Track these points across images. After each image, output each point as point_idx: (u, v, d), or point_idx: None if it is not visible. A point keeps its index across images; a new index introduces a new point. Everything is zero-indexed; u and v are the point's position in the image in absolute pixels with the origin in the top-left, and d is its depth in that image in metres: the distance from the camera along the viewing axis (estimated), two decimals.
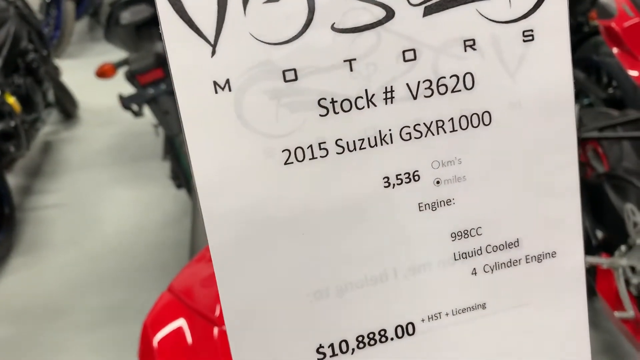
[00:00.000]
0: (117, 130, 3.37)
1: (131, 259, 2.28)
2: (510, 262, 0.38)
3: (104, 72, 2.32)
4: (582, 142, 1.60)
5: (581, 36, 2.05)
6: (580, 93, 2.05)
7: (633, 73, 1.79)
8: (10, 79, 2.75)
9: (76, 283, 2.19)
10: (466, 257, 0.38)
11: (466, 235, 0.37)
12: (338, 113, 0.34)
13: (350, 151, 0.35)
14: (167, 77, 2.21)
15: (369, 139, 0.35)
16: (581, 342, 0.40)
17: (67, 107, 3.49)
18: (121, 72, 2.30)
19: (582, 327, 0.40)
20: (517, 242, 0.38)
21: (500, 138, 0.36)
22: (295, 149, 0.34)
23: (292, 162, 0.34)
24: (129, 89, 2.30)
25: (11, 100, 2.59)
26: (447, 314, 0.38)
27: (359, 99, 0.34)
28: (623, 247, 1.39)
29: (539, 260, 0.39)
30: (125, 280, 2.16)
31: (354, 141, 0.35)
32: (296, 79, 0.33)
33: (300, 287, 0.35)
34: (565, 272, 0.39)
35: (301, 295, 0.36)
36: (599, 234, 1.52)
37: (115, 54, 2.53)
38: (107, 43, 2.60)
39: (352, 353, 0.37)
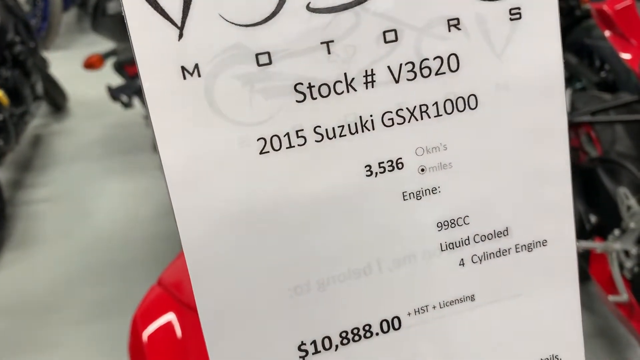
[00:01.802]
0: (107, 122, 3.34)
1: (123, 252, 2.27)
2: (500, 251, 0.37)
3: (91, 64, 2.29)
4: (574, 127, 1.59)
5: (573, 20, 2.03)
6: (572, 77, 2.04)
7: (625, 56, 1.78)
8: None
9: (68, 277, 2.18)
10: (453, 248, 0.36)
11: (453, 225, 0.36)
12: (316, 99, 0.32)
13: (330, 139, 0.33)
14: None
15: (349, 125, 0.33)
16: (574, 333, 0.39)
17: (56, 100, 3.45)
18: (110, 64, 2.27)
19: (575, 318, 0.39)
20: (507, 231, 0.36)
21: (487, 122, 0.35)
22: (271, 138, 0.32)
23: (268, 152, 0.32)
24: (118, 81, 2.27)
25: None
26: (434, 307, 0.37)
27: (337, 84, 0.32)
28: (616, 231, 1.38)
29: (530, 250, 0.37)
30: (118, 273, 2.15)
31: (333, 128, 0.33)
32: (270, 62, 0.31)
33: (279, 282, 0.34)
34: (556, 261, 0.37)
35: (280, 290, 0.34)
36: (593, 219, 1.52)
37: (104, 45, 2.49)
38: (96, 34, 2.57)
39: (336, 350, 0.35)
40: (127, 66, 2.18)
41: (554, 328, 0.39)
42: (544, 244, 0.37)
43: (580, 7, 2.05)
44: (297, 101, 0.32)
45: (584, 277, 1.49)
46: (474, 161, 0.35)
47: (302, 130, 0.32)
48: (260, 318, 0.34)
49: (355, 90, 0.32)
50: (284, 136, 0.32)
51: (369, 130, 0.33)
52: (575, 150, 1.66)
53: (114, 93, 2.19)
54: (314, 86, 0.32)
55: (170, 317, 0.89)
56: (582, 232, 1.51)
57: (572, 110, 1.55)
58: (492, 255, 0.37)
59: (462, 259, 0.36)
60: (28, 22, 3.13)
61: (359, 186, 0.34)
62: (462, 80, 0.34)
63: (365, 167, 0.34)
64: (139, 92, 2.20)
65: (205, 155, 0.31)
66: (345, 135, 0.33)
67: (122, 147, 3.08)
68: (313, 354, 0.35)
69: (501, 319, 0.38)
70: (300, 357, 0.35)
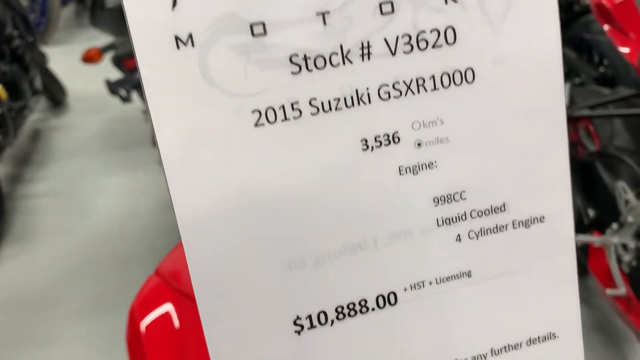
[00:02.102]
0: (106, 117, 3.34)
1: (122, 246, 2.27)
2: (497, 227, 0.36)
3: (90, 57, 2.28)
4: (573, 121, 1.59)
5: (572, 15, 2.03)
6: (571, 72, 2.04)
7: (624, 50, 1.78)
8: None
9: (67, 271, 2.18)
10: (450, 223, 0.36)
11: (450, 200, 0.35)
12: (311, 71, 0.32)
13: (325, 112, 0.33)
14: None
15: (345, 98, 0.33)
16: (571, 310, 0.39)
17: (55, 95, 3.45)
18: (108, 58, 2.26)
19: (572, 296, 0.38)
20: (504, 206, 0.36)
21: (484, 97, 0.34)
22: (266, 110, 0.32)
23: (263, 124, 0.32)
24: (117, 75, 2.27)
25: None
26: (430, 283, 0.36)
27: (333, 56, 0.32)
28: (615, 225, 1.38)
29: (527, 226, 0.37)
30: (117, 267, 2.15)
31: (329, 101, 0.32)
32: (265, 33, 0.31)
33: (274, 257, 0.34)
34: (554, 237, 0.37)
35: (275, 265, 0.34)
36: (591, 213, 1.52)
37: (103, 40, 2.49)
38: (94, 29, 2.56)
39: (332, 324, 0.35)
40: (125, 60, 2.18)
41: (551, 306, 0.38)
42: (542, 220, 0.37)
43: (579, 3, 2.04)
44: (292, 73, 0.32)
45: (583, 271, 1.49)
46: (471, 136, 0.35)
47: (298, 102, 0.32)
48: (255, 292, 0.34)
49: (352, 62, 0.32)
50: (279, 108, 0.32)
51: (365, 103, 0.33)
52: (574, 145, 1.66)
53: (113, 87, 2.19)
54: (309, 58, 0.32)
55: (167, 306, 0.89)
56: (581, 226, 1.51)
57: (571, 105, 1.55)
58: (489, 231, 0.36)
59: (458, 235, 0.36)
60: (26, 16, 3.12)
61: (355, 160, 0.34)
62: (459, 54, 0.33)
63: (362, 141, 0.33)
64: (137, 86, 2.20)
65: (200, 127, 0.31)
66: (341, 108, 0.33)
67: (121, 142, 3.08)
68: (309, 328, 0.35)
69: (498, 295, 0.37)
70: (295, 331, 0.35)
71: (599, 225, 1.49)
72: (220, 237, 0.32)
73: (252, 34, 0.31)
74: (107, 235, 2.35)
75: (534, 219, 0.37)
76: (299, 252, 0.34)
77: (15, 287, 2.15)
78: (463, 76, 0.34)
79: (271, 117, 0.32)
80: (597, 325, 1.60)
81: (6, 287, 2.15)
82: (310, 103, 0.32)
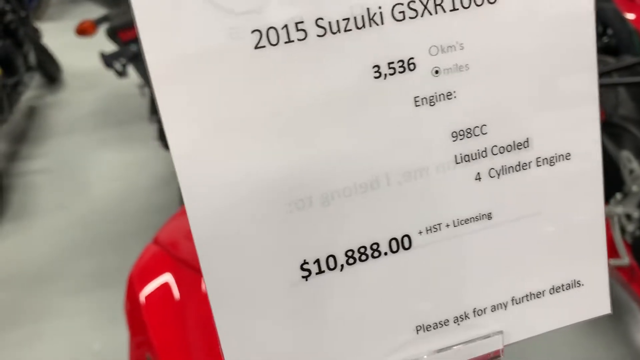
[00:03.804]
0: (102, 93, 3.30)
1: (120, 222, 2.26)
2: (519, 165, 0.33)
3: (84, 30, 2.24)
4: None
5: None
6: None
7: (630, 16, 1.74)
8: None
9: (66, 248, 2.17)
10: (469, 160, 0.33)
11: (469, 135, 0.32)
12: None
13: (334, 33, 0.29)
14: None
15: (355, 18, 0.29)
16: (597, 257, 0.36)
17: (50, 71, 3.40)
18: (102, 32, 2.22)
19: (599, 241, 0.36)
20: (527, 142, 0.33)
21: (507, 19, 0.31)
22: (268, 30, 0.28)
23: (264, 46, 0.29)
24: (112, 49, 2.22)
25: None
26: (447, 225, 0.33)
27: None
28: (618, 195, 1.36)
29: (552, 163, 0.34)
30: (115, 243, 2.14)
31: (337, 21, 0.29)
32: None
33: (278, 195, 0.30)
34: (580, 176, 0.34)
35: (279, 205, 0.31)
36: None
37: (97, 14, 2.43)
38: (89, 4, 2.51)
39: (341, 270, 0.32)
40: (120, 32, 2.13)
41: (576, 251, 0.36)
42: (567, 157, 0.34)
43: None
44: None
45: None
46: (493, 63, 0.31)
47: (303, 22, 0.29)
48: (258, 236, 0.31)
49: None
50: (282, 29, 0.29)
51: (377, 24, 0.30)
52: None
53: (108, 59, 2.14)
54: None
55: (166, 274, 0.87)
56: None
57: None
58: (511, 169, 0.33)
59: (478, 173, 0.33)
60: None
61: (366, 89, 0.30)
62: None
63: (373, 67, 0.30)
64: (133, 59, 2.15)
65: (193, 48, 0.28)
66: (350, 30, 0.29)
67: (118, 118, 3.04)
68: (317, 274, 0.32)
69: (520, 239, 0.35)
70: (303, 276, 0.32)
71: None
72: (217, 172, 0.29)
73: None
74: (105, 211, 2.34)
75: (559, 156, 0.34)
76: (306, 191, 0.31)
77: (14, 263, 2.15)
78: None
79: (273, 38, 0.29)
80: None
81: (5, 264, 2.15)
82: (316, 23, 0.29)
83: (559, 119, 0.33)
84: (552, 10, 0.31)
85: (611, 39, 1.92)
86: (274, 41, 0.29)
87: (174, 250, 0.91)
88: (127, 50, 2.13)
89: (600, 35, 1.98)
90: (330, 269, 0.32)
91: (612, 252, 1.41)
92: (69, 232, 2.26)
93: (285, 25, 0.29)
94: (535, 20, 0.31)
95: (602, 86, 1.49)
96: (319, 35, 0.29)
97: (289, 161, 0.30)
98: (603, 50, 1.91)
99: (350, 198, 0.32)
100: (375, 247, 0.33)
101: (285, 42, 0.29)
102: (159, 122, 2.28)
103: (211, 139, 0.29)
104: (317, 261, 0.32)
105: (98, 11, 2.57)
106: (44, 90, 3.46)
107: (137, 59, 2.16)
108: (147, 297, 0.85)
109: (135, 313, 0.87)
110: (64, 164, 2.75)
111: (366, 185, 0.32)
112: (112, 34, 2.15)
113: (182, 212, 1.04)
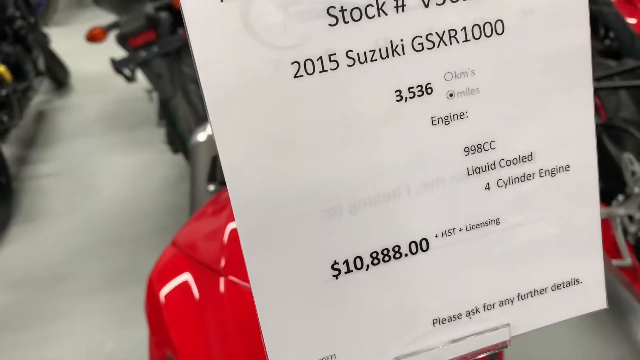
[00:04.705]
0: (110, 98, 3.34)
1: (129, 225, 2.28)
2: (524, 176, 0.38)
3: (94, 36, 2.28)
4: None
5: None
6: None
7: (631, 21, 1.77)
8: None
9: (75, 250, 2.19)
10: (479, 172, 0.37)
11: (480, 150, 0.37)
12: (348, 22, 0.33)
13: (361, 63, 0.34)
14: (159, 39, 2.17)
15: (380, 50, 0.34)
16: (594, 256, 0.40)
17: (58, 75, 3.45)
18: (112, 39, 2.26)
19: (595, 242, 0.40)
20: (531, 155, 0.38)
21: (513, 48, 0.35)
22: (305, 61, 0.33)
23: (301, 75, 0.33)
24: (121, 55, 2.26)
25: (1, 68, 2.55)
26: (460, 230, 0.38)
27: (369, 7, 0.33)
28: (620, 197, 1.39)
29: (553, 174, 0.38)
30: (124, 246, 2.16)
31: (364, 52, 0.34)
32: None
33: (313, 203, 0.35)
34: (578, 186, 0.39)
35: (314, 212, 0.35)
36: None
37: (102, 20, 2.48)
38: (95, 8, 2.55)
39: (367, 269, 0.37)
40: (130, 39, 2.17)
41: (575, 252, 0.40)
42: (567, 169, 0.38)
43: None
44: (329, 25, 0.33)
45: None
46: (501, 86, 0.36)
47: (335, 54, 0.33)
48: (295, 237, 0.35)
49: (386, 14, 0.33)
50: (317, 60, 0.33)
51: (399, 55, 0.34)
52: None
53: (118, 65, 2.18)
54: (346, 10, 0.33)
55: (185, 275, 0.90)
56: None
57: None
58: (516, 179, 0.38)
59: (487, 183, 0.37)
60: None
61: (390, 111, 0.35)
62: (490, 6, 0.34)
63: (396, 92, 0.35)
64: (142, 64, 2.20)
65: (242, 77, 0.32)
66: (376, 59, 0.34)
67: (126, 122, 3.08)
68: (345, 272, 0.37)
69: (524, 242, 0.39)
70: (333, 275, 0.36)
71: (605, 197, 1.50)
72: (261, 181, 0.34)
73: None
74: (114, 214, 2.37)
75: (559, 168, 0.38)
76: (336, 200, 0.35)
77: (24, 265, 2.17)
78: (493, 28, 0.35)
79: (309, 68, 0.33)
80: None
81: (16, 266, 2.17)
82: (346, 54, 0.33)
83: (559, 136, 0.38)
84: (552, 40, 0.36)
85: (613, 42, 1.96)
86: (310, 71, 0.33)
87: (192, 252, 0.94)
88: (136, 56, 2.18)
89: (601, 38, 2.02)
90: (357, 269, 0.37)
91: (615, 253, 1.44)
92: (78, 234, 2.28)
93: (320, 57, 0.33)
94: (538, 49, 0.36)
95: (603, 89, 1.52)
96: (348, 65, 0.34)
97: (323, 173, 0.35)
98: (604, 53, 1.95)
99: (375, 206, 0.36)
100: (396, 249, 0.37)
101: (320, 72, 0.33)
102: (167, 126, 2.32)
103: (257, 155, 0.33)
104: (346, 262, 0.36)
105: (104, 16, 2.60)
106: (52, 95, 3.50)
107: (146, 65, 2.21)
108: (167, 297, 0.88)
109: (155, 313, 0.89)
110: (72, 168, 2.78)
111: (389, 194, 0.36)
112: (122, 41, 2.20)
113: (198, 216, 1.08)
